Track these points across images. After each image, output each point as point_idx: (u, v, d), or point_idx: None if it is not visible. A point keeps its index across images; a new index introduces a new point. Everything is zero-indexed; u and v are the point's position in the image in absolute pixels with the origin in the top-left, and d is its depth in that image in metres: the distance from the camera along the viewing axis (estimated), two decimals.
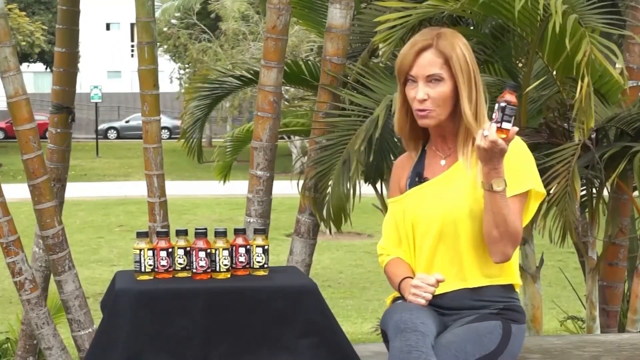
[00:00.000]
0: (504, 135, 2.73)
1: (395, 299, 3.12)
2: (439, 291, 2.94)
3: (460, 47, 2.97)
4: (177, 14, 29.37)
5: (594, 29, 4.36)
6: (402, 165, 3.15)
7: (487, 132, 2.75)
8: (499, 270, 3.01)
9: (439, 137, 3.06)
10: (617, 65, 4.86)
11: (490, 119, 2.81)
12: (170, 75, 31.45)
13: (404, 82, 3.01)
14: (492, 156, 2.77)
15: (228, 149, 7.26)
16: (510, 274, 3.04)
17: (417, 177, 3.07)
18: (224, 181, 7.39)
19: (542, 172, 4.68)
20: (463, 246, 2.97)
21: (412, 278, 3.02)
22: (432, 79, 2.95)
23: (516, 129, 2.77)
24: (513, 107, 2.73)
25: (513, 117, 2.74)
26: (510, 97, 2.73)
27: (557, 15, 4.12)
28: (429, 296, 2.90)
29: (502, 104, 2.74)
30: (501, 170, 2.82)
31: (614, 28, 4.62)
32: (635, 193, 5.54)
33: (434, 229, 2.98)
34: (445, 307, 2.97)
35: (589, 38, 4.20)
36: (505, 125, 2.73)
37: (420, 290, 2.91)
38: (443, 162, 3.05)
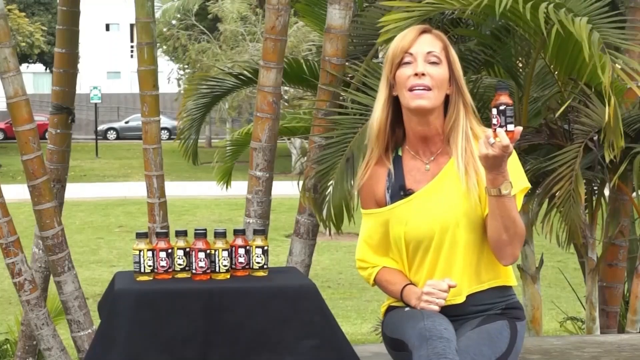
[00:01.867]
0: (509, 137, 2.71)
1: (391, 307, 3.10)
2: (447, 302, 2.91)
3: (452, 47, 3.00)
4: (178, 15, 29.43)
5: (612, 44, 4.35)
6: (375, 175, 3.03)
7: (492, 139, 2.70)
8: (498, 272, 3.00)
9: (419, 139, 2.97)
10: (617, 65, 4.86)
11: (487, 125, 2.79)
12: (168, 75, 31.44)
13: (398, 64, 2.93)
14: (500, 161, 2.73)
15: (228, 153, 7.25)
16: (510, 274, 3.05)
17: (401, 191, 2.98)
18: (226, 186, 7.38)
19: (544, 174, 4.70)
20: (463, 254, 2.93)
21: (412, 284, 3.00)
22: (431, 58, 2.91)
23: (520, 128, 2.74)
24: (512, 108, 2.72)
25: (513, 117, 2.72)
26: (505, 98, 2.71)
27: (584, 42, 4.08)
28: (442, 302, 2.88)
29: (502, 107, 2.70)
30: (507, 173, 2.78)
31: (628, 43, 4.60)
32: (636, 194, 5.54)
33: (431, 242, 2.93)
34: (450, 314, 2.95)
35: (609, 56, 4.18)
36: (509, 127, 2.70)
37: (432, 297, 2.88)
38: (427, 167, 2.98)
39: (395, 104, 2.99)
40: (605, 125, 4.29)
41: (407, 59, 2.92)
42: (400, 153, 3.03)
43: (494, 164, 2.74)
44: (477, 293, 2.98)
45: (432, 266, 2.96)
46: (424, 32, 2.97)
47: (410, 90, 2.90)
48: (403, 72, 2.92)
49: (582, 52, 4.29)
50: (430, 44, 2.94)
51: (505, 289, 3.04)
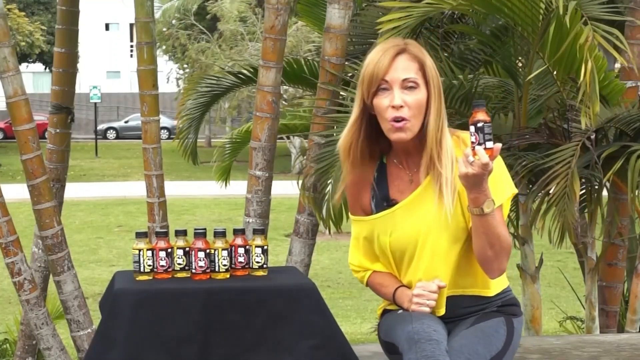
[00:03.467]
0: (488, 154, 2.66)
1: (386, 310, 3.09)
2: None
3: (429, 57, 2.89)
4: (177, 15, 29.43)
5: (597, 18, 4.35)
6: (360, 182, 2.99)
7: (471, 158, 2.65)
8: (481, 281, 2.97)
9: (402, 151, 2.93)
10: (616, 65, 4.86)
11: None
12: (167, 75, 31.41)
13: (375, 91, 2.84)
14: (481, 180, 2.68)
15: (227, 151, 7.26)
16: (498, 282, 3.00)
17: (385, 201, 2.95)
18: (225, 184, 7.39)
19: (541, 172, 4.70)
20: (446, 262, 2.89)
21: (405, 286, 2.99)
22: (407, 84, 2.81)
23: (499, 145, 2.68)
24: (490, 125, 2.66)
25: (492, 134, 2.67)
26: (483, 115, 2.66)
27: (559, 6, 4.11)
28: (433, 303, 2.87)
29: (480, 124, 2.65)
30: (488, 192, 2.72)
31: (615, 16, 4.61)
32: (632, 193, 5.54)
33: (414, 251, 2.90)
34: (444, 317, 2.93)
35: (591, 25, 4.19)
36: (488, 144, 2.65)
37: (423, 299, 2.87)
38: (411, 179, 2.93)
39: (374, 119, 2.90)
40: (580, 87, 4.27)
41: (383, 86, 2.84)
42: (384, 161, 2.98)
43: (475, 182, 2.69)
44: (464, 297, 2.95)
45: (414, 272, 2.92)
46: (398, 53, 2.86)
47: (390, 121, 2.83)
48: (380, 101, 2.84)
49: (580, 50, 4.29)
50: (405, 68, 2.83)
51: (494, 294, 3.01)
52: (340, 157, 2.97)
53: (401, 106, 2.80)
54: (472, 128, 2.66)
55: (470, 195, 2.73)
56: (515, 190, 2.93)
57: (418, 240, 2.89)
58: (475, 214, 2.75)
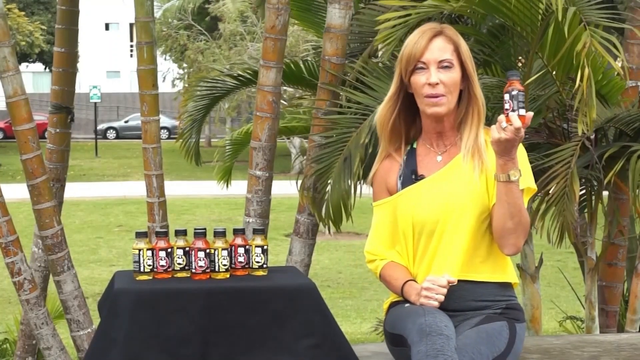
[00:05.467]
0: (521, 121, 2.78)
1: (393, 303, 3.11)
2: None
3: (463, 40, 3.04)
4: (179, 14, 29.44)
5: (596, 24, 4.36)
6: (388, 167, 3.12)
7: (504, 123, 2.76)
8: (501, 267, 3.02)
9: (434, 133, 3.05)
10: (617, 63, 4.86)
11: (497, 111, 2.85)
12: (164, 75, 31.37)
13: (412, 70, 3.00)
14: (512, 146, 2.79)
15: (227, 153, 7.26)
16: (510, 272, 3.07)
17: (413, 175, 3.05)
18: (227, 185, 7.39)
19: (541, 172, 4.70)
20: (465, 242, 2.97)
21: (413, 281, 3.02)
22: (443, 64, 2.97)
23: (531, 114, 2.80)
24: (523, 94, 2.78)
25: (524, 103, 2.79)
26: (517, 85, 2.78)
27: (558, 10, 4.13)
28: (442, 298, 2.91)
29: (514, 92, 2.77)
30: (517, 160, 2.84)
31: (614, 22, 4.62)
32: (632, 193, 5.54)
33: (436, 227, 2.98)
34: (449, 309, 2.96)
35: (589, 31, 4.21)
36: (521, 112, 2.77)
37: (432, 292, 2.91)
38: (439, 158, 3.05)
39: (410, 98, 3.05)
40: (577, 95, 4.28)
41: (419, 65, 3.00)
42: (415, 146, 3.10)
43: (506, 147, 2.80)
44: (476, 286, 3.00)
45: (433, 252, 3.00)
46: (435, 35, 3.01)
47: (426, 97, 2.98)
48: (417, 78, 2.99)
49: (577, 42, 4.28)
50: (441, 50, 2.99)
51: (506, 288, 3.05)
52: (377, 132, 3.12)
53: (437, 84, 2.96)
54: (506, 96, 2.78)
55: (500, 161, 2.84)
56: (534, 187, 3.02)
57: (440, 217, 2.97)
58: (502, 181, 2.86)
